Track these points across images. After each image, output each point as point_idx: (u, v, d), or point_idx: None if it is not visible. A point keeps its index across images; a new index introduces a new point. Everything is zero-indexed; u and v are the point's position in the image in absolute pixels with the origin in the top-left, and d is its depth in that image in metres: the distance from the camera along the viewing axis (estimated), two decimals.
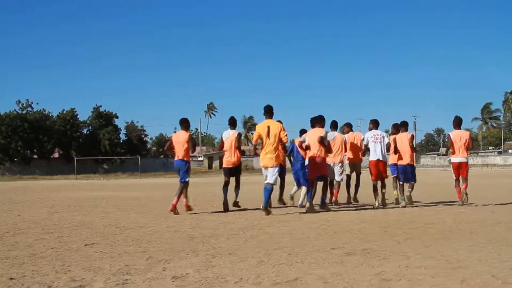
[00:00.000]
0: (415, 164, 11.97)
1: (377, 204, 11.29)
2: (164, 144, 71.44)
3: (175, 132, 11.73)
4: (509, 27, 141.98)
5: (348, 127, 12.48)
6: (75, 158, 53.91)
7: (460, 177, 11.34)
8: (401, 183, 11.62)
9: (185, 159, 10.59)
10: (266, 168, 10.18)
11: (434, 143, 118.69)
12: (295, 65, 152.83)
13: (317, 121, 10.64)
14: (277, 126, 10.07)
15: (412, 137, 11.88)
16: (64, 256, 5.93)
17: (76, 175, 48.40)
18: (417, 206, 11.60)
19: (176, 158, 10.71)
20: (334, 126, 11.97)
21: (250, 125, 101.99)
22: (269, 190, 9.92)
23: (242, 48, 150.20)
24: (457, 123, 11.58)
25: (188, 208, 10.70)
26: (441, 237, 6.98)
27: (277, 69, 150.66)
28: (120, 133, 65.70)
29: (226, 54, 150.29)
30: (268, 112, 10.24)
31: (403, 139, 11.61)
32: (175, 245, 6.59)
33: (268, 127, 10.04)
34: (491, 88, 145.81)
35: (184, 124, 10.79)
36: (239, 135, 11.13)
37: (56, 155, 62.92)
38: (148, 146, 71.41)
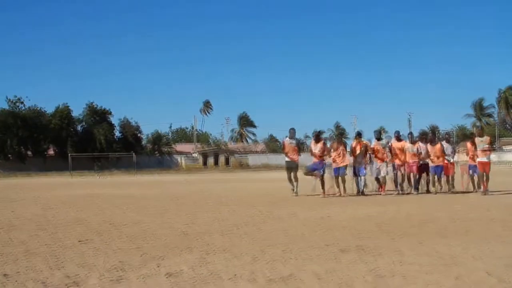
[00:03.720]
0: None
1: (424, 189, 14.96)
2: (158, 142, 71.51)
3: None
4: (504, 24, 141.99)
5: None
6: (70, 155, 53.72)
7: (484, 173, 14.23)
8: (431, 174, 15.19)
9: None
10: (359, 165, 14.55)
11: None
12: (290, 63, 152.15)
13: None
14: (365, 143, 14.77)
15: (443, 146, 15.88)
16: (58, 253, 5.92)
17: (71, 172, 48.28)
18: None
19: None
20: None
21: (244, 122, 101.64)
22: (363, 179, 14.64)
23: (237, 46, 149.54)
24: (479, 134, 15.40)
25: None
26: (436, 234, 6.99)
27: (274, 68, 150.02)
28: (115, 130, 65.57)
29: (221, 52, 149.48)
30: (358, 134, 15.49)
31: (436, 148, 15.38)
32: (169, 242, 6.58)
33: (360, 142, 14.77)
34: (486, 85, 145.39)
35: (316, 136, 14.83)
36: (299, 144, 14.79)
37: (51, 152, 62.70)
38: (143, 144, 71.23)
